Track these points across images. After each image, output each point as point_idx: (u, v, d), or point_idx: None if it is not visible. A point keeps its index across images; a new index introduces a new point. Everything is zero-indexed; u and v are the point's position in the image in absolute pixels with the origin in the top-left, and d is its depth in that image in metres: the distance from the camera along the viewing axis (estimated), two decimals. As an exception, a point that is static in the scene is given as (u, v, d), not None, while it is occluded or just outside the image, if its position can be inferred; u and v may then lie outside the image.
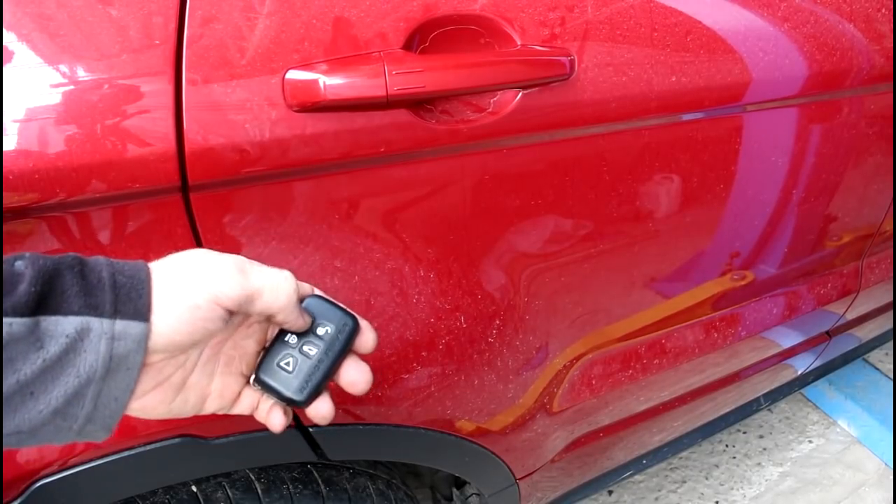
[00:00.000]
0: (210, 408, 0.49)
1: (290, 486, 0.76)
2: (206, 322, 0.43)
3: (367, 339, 0.53)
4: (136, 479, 0.63)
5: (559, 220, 0.77)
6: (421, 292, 0.71)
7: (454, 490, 1.15)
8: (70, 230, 0.54)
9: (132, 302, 0.40)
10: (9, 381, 0.36)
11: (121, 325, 0.39)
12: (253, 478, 0.75)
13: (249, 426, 0.65)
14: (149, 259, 0.54)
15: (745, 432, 1.79)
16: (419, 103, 0.62)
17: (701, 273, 0.99)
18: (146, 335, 0.40)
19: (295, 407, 0.50)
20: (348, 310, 0.52)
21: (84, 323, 0.38)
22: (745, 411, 1.41)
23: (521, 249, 0.76)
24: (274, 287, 0.46)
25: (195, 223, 0.58)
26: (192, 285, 0.42)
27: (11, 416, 0.36)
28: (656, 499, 1.60)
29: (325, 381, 0.50)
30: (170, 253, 0.57)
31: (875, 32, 0.94)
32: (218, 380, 0.49)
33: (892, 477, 1.66)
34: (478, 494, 1.06)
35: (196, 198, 0.57)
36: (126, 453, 0.60)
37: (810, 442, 1.77)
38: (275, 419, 0.51)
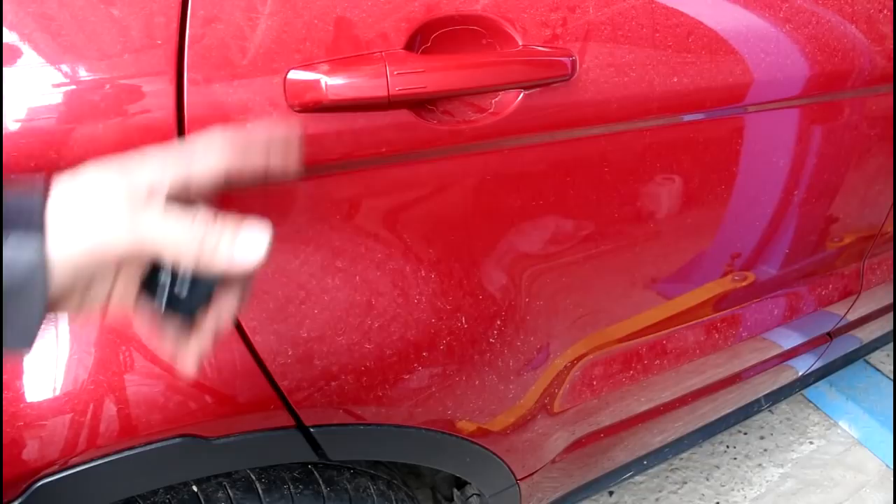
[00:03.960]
0: None
1: (291, 486, 0.76)
2: (94, 272, 0.40)
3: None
4: (136, 479, 0.63)
5: (560, 221, 0.77)
6: (422, 293, 0.71)
7: (455, 490, 1.15)
8: (71, 230, 0.54)
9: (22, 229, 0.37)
10: None
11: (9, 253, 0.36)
12: (254, 478, 0.75)
13: (251, 426, 0.65)
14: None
15: (745, 433, 1.79)
16: (421, 104, 0.62)
17: (702, 274, 0.99)
18: (43, 264, 0.37)
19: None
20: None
21: None
22: (746, 412, 1.41)
23: (522, 250, 0.76)
24: (177, 247, 0.40)
25: (196, 223, 0.58)
26: (74, 232, 0.38)
27: None
28: (657, 499, 1.60)
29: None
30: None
31: (876, 34, 0.94)
32: None
33: (892, 478, 1.66)
34: (478, 495, 1.06)
35: (197, 198, 0.57)
36: (127, 453, 0.60)
37: (811, 443, 1.77)
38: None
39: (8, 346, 0.38)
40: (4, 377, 0.55)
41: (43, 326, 0.38)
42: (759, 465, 1.70)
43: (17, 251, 0.36)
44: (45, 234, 0.37)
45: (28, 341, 0.38)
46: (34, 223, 0.37)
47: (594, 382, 0.97)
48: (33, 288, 0.37)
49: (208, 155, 0.44)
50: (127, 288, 0.43)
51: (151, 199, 0.41)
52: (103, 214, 0.39)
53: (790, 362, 1.34)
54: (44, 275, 0.37)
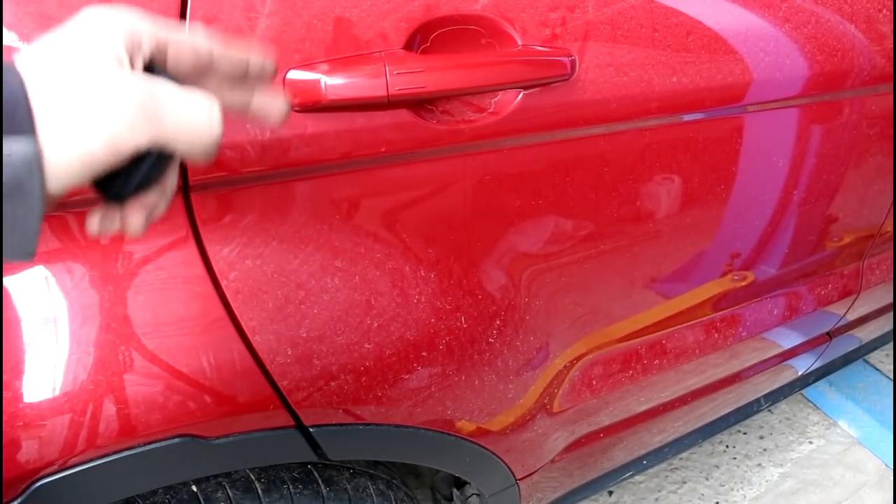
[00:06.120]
0: None
1: (291, 486, 0.76)
2: (105, 164, 0.35)
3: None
4: (136, 479, 0.63)
5: (560, 221, 0.77)
6: (422, 292, 0.71)
7: (454, 490, 1.15)
8: (70, 230, 0.54)
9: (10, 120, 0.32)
10: None
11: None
12: (253, 478, 0.75)
13: (250, 426, 0.65)
14: (150, 257, 0.54)
15: (745, 433, 1.79)
16: (420, 103, 0.62)
17: (702, 274, 0.99)
18: (37, 158, 0.33)
19: None
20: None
21: None
22: (746, 412, 1.41)
23: (521, 250, 0.76)
24: (191, 137, 0.38)
25: (195, 223, 0.58)
26: (84, 125, 0.34)
27: None
28: (656, 499, 1.60)
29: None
30: (170, 253, 0.57)
31: (876, 33, 0.94)
32: None
33: (892, 478, 1.66)
34: (478, 494, 1.06)
35: (196, 198, 0.57)
36: (126, 453, 0.60)
37: (811, 443, 1.77)
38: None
39: (8, 256, 0.34)
40: (4, 377, 0.55)
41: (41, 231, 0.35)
42: (759, 464, 1.70)
43: (10, 148, 0.32)
44: (35, 130, 0.33)
45: (30, 246, 0.34)
46: (20, 116, 0.33)
47: (594, 382, 0.97)
48: (32, 186, 0.33)
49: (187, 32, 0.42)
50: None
51: (133, 55, 0.37)
52: (115, 110, 0.35)
53: (790, 362, 1.34)
54: (39, 176, 0.33)
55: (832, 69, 0.90)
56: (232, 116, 0.48)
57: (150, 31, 0.39)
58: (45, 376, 0.56)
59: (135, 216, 0.42)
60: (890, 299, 1.46)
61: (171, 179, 0.44)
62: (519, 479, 0.96)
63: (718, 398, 1.25)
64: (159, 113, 0.37)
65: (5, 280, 0.54)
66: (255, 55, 0.46)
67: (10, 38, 0.48)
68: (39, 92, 0.33)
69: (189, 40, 0.42)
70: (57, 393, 0.56)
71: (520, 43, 0.65)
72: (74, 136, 0.34)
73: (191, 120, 0.38)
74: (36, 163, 0.32)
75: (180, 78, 0.42)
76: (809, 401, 1.89)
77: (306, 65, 0.56)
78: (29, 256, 0.34)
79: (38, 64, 0.35)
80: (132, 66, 0.38)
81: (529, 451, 0.94)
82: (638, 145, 0.78)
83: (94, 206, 0.42)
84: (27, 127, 0.32)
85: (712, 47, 0.77)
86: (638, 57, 0.72)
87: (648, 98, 0.74)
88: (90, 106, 0.34)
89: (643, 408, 1.09)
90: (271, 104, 0.48)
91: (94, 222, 0.42)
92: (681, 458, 1.70)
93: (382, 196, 0.65)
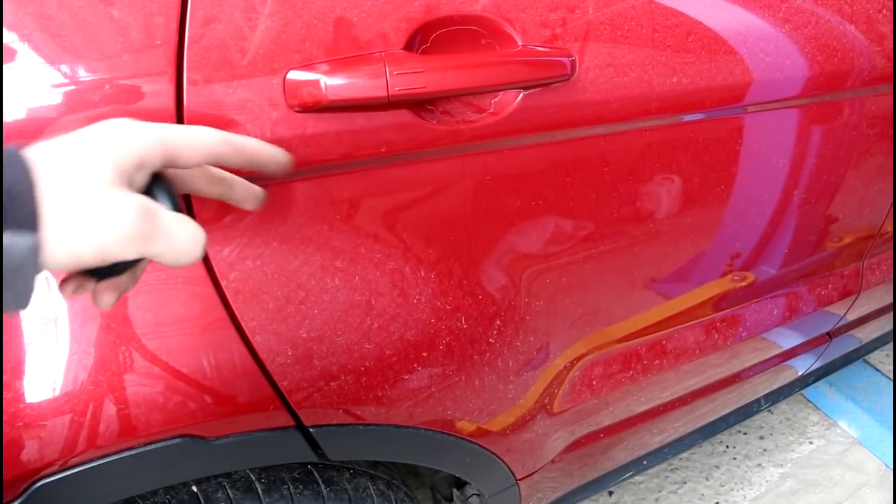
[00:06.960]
0: None
1: (291, 487, 0.76)
2: (92, 264, 0.40)
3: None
4: (136, 479, 0.63)
5: (560, 221, 0.77)
6: (422, 293, 0.71)
7: (454, 490, 1.15)
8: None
9: (17, 210, 0.37)
10: None
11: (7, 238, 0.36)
12: (253, 478, 0.75)
13: (250, 426, 0.65)
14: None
15: (745, 433, 1.79)
16: (420, 104, 0.62)
17: (702, 274, 0.99)
18: (36, 253, 0.37)
19: None
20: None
21: None
22: (746, 412, 1.41)
23: (521, 250, 0.76)
24: (174, 258, 0.43)
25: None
26: (80, 235, 0.39)
27: None
28: (657, 499, 1.60)
29: None
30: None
31: (876, 34, 0.94)
32: None
33: (892, 478, 1.66)
34: (478, 495, 1.07)
35: (197, 198, 0.57)
36: (126, 453, 0.60)
37: (811, 443, 1.77)
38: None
39: (6, 308, 0.39)
40: (4, 377, 0.55)
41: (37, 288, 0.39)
42: (759, 464, 1.70)
43: (13, 240, 0.36)
44: (38, 224, 0.37)
45: (24, 303, 0.39)
46: (26, 212, 0.37)
47: (594, 382, 0.97)
48: (28, 269, 0.37)
49: (199, 135, 0.46)
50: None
51: (139, 172, 0.42)
52: (110, 222, 0.39)
53: (790, 362, 1.34)
54: (34, 263, 0.37)
55: (832, 70, 0.90)
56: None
57: (160, 151, 0.43)
58: (45, 376, 0.56)
59: (106, 294, 0.47)
60: (890, 299, 1.46)
61: (143, 265, 0.49)
62: (519, 480, 0.96)
63: (718, 398, 1.25)
64: (151, 237, 0.41)
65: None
66: (273, 149, 0.52)
67: (10, 37, 0.49)
68: (49, 195, 0.38)
69: (203, 146, 0.46)
70: (57, 393, 0.56)
71: (520, 43, 0.65)
72: (70, 241, 0.38)
73: (178, 246, 0.42)
74: (34, 256, 0.37)
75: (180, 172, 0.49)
76: (809, 401, 1.90)
77: (306, 65, 0.56)
78: (23, 308, 0.39)
79: (52, 167, 0.39)
80: (139, 181, 0.43)
81: (529, 451, 0.95)
82: (638, 146, 0.78)
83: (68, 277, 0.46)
84: (31, 222, 0.37)
85: (712, 48, 0.77)
86: (638, 57, 0.72)
87: (649, 98, 0.74)
88: (89, 220, 0.39)
89: (643, 408, 1.09)
90: (250, 193, 0.54)
91: (69, 290, 0.46)
92: (681, 459, 1.70)
93: (382, 196, 0.65)
